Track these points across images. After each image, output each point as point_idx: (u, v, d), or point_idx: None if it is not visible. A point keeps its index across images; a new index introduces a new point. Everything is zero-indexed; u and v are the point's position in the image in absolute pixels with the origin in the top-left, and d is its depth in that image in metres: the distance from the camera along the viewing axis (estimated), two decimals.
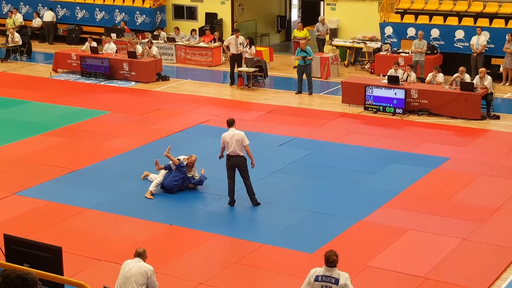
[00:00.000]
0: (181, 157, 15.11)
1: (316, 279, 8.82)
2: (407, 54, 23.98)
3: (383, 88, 20.43)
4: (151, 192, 14.64)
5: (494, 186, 15.19)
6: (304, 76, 22.76)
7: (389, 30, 25.15)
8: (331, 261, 8.78)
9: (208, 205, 14.15)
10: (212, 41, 26.69)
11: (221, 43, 26.16)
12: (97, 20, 30.61)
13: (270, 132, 18.73)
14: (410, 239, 12.71)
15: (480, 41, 23.12)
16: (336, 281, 8.73)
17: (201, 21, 29.39)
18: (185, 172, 14.84)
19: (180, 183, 14.80)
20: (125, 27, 28.52)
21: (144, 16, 29.60)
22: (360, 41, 26.13)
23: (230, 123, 14.15)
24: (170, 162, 14.90)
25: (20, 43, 27.90)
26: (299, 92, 22.81)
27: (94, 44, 25.70)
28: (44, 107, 21.33)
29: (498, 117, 19.81)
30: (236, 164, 13.92)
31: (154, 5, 29.58)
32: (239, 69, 23.68)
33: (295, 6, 33.10)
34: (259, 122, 19.65)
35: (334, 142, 17.94)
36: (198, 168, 15.14)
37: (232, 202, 14.10)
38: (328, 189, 14.97)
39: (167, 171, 14.91)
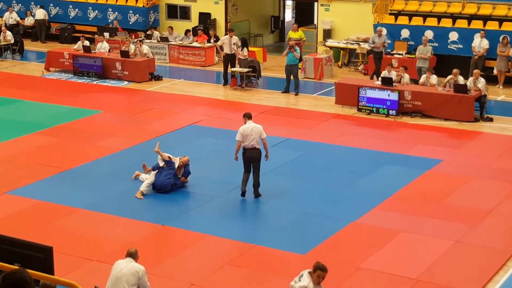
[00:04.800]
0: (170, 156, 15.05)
1: None
2: (401, 56, 23.95)
3: (377, 89, 20.41)
4: (142, 192, 14.56)
5: (487, 188, 15.20)
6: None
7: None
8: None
9: (200, 205, 14.09)
10: (209, 40, 26.56)
11: (215, 40, 26.06)
12: (90, 19, 30.52)
13: None
14: (402, 241, 12.69)
15: (482, 44, 23.03)
16: None
17: (194, 21, 29.34)
18: (174, 168, 14.77)
19: (173, 180, 14.73)
20: (118, 26, 28.47)
21: (138, 15, 29.53)
22: (354, 42, 26.12)
23: (249, 116, 14.39)
24: (159, 158, 14.83)
25: (12, 41, 27.80)
26: (286, 91, 22.77)
27: (87, 43, 25.63)
28: (36, 106, 21.23)
29: (491, 119, 19.82)
30: (253, 157, 14.17)
31: (147, 4, 29.51)
32: (233, 69, 23.63)
33: (289, 7, 33.09)
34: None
35: (327, 144, 17.91)
36: (192, 168, 15.07)
37: (244, 193, 14.24)
38: (320, 191, 14.94)
39: (156, 171, 14.82)
